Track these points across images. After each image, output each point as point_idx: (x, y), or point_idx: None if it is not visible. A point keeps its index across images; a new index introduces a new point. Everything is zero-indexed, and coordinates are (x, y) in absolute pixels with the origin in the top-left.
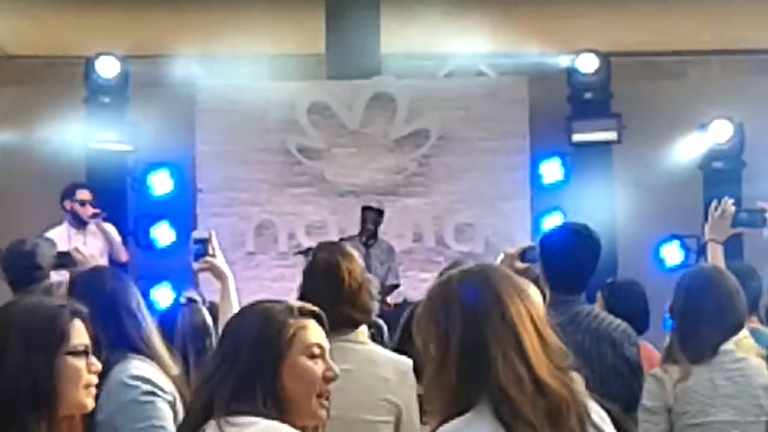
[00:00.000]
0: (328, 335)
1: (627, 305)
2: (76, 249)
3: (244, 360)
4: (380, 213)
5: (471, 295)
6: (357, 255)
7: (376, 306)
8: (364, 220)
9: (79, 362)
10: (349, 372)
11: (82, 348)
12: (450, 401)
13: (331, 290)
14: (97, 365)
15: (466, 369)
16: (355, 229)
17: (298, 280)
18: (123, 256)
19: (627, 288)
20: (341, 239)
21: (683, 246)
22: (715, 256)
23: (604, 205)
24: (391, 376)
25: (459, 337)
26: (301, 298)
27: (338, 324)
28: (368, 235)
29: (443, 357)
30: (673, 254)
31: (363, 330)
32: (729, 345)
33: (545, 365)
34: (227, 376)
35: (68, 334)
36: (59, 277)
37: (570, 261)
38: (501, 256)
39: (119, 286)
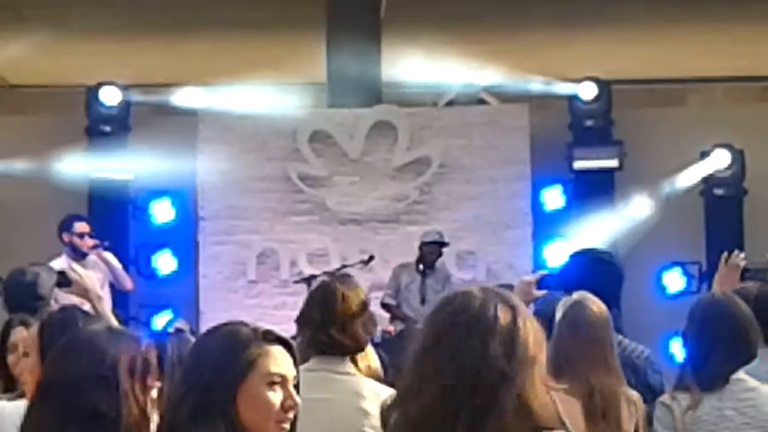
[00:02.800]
0: (297, 364)
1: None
2: (71, 267)
3: (203, 382)
4: (443, 245)
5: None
6: (360, 288)
7: (367, 339)
8: (426, 253)
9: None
10: (327, 402)
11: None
12: None
13: (322, 312)
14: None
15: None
16: (356, 257)
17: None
18: (128, 283)
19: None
20: (402, 265)
21: (685, 273)
22: None
23: (605, 232)
24: (371, 410)
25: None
26: (298, 320)
27: (326, 347)
28: (426, 264)
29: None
30: (674, 281)
31: (369, 354)
32: (741, 374)
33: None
34: (186, 398)
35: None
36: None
37: (592, 288)
38: (517, 283)
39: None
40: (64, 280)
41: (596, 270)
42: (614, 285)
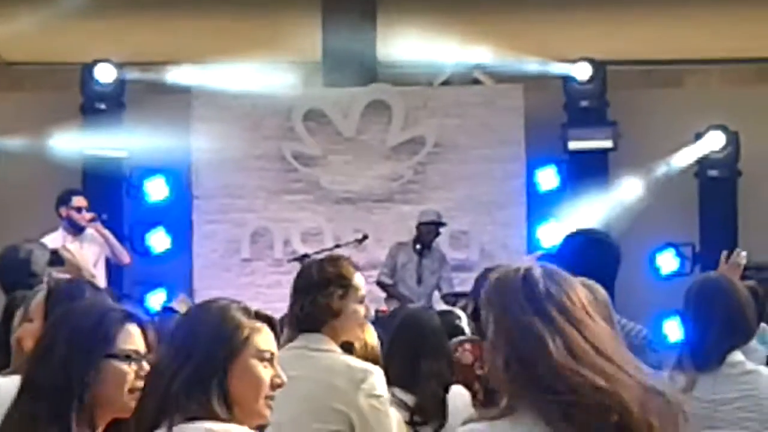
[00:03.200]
0: (278, 342)
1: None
2: (64, 247)
3: (198, 356)
4: (440, 224)
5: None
6: (347, 264)
7: (338, 307)
8: (424, 233)
9: (124, 366)
10: (298, 379)
11: (128, 352)
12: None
13: (296, 287)
14: (146, 370)
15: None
16: (350, 236)
17: None
18: (125, 257)
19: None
20: (399, 244)
21: (678, 254)
22: None
23: (599, 213)
24: (341, 384)
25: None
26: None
27: (300, 320)
28: (424, 244)
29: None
30: (668, 262)
31: (367, 332)
32: (738, 356)
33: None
34: (180, 371)
35: (114, 337)
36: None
37: (591, 268)
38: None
39: (97, 295)
40: (56, 259)
41: (593, 251)
42: (611, 266)
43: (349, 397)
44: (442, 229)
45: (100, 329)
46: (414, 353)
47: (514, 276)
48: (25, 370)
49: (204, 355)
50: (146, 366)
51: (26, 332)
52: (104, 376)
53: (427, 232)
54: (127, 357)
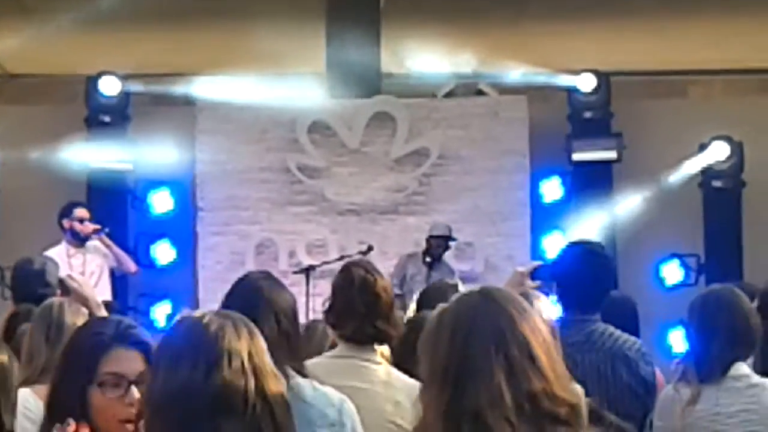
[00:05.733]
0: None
1: (617, 321)
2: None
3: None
4: (450, 239)
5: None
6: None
7: (402, 324)
8: (434, 246)
9: (105, 395)
10: (359, 390)
11: (105, 379)
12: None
13: (366, 304)
14: (133, 398)
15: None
16: (354, 248)
17: (299, 298)
18: (131, 266)
19: (619, 303)
20: (409, 255)
21: (683, 265)
22: None
23: (603, 224)
24: (402, 400)
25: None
26: (330, 311)
27: (370, 339)
28: (435, 257)
29: (432, 382)
30: (672, 273)
31: (382, 351)
32: (744, 368)
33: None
34: None
35: (96, 365)
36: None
37: (584, 280)
38: (511, 274)
39: None
40: (63, 288)
41: (587, 261)
42: (605, 276)
43: (409, 413)
44: (451, 243)
45: (81, 358)
46: None
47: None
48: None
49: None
50: (134, 393)
51: None
52: (91, 407)
53: (436, 246)
54: (101, 384)
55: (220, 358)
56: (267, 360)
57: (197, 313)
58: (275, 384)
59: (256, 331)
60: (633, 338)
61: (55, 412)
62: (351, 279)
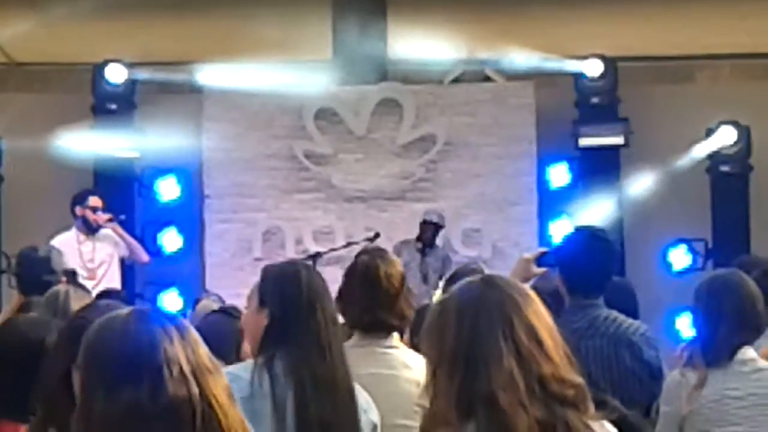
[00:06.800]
0: None
1: (617, 306)
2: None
3: None
4: (439, 227)
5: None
6: (398, 262)
7: (411, 313)
8: (423, 231)
9: None
10: (384, 376)
11: None
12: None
13: (367, 294)
14: None
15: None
16: (361, 235)
17: None
18: (143, 256)
19: (618, 288)
20: (403, 242)
21: (690, 250)
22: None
23: (611, 210)
24: (422, 380)
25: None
26: (338, 299)
27: (373, 328)
28: (426, 243)
29: (441, 368)
30: (680, 258)
31: (397, 336)
32: (750, 352)
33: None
34: None
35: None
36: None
37: (588, 265)
38: (516, 261)
39: None
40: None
41: (590, 246)
42: (608, 261)
43: None
44: (452, 226)
45: (63, 340)
46: None
47: None
48: None
49: None
50: None
51: None
52: (73, 387)
53: (424, 231)
54: None
55: (160, 370)
56: (202, 352)
57: (118, 316)
58: (214, 381)
59: (181, 322)
60: (637, 323)
61: (39, 394)
62: (354, 268)
